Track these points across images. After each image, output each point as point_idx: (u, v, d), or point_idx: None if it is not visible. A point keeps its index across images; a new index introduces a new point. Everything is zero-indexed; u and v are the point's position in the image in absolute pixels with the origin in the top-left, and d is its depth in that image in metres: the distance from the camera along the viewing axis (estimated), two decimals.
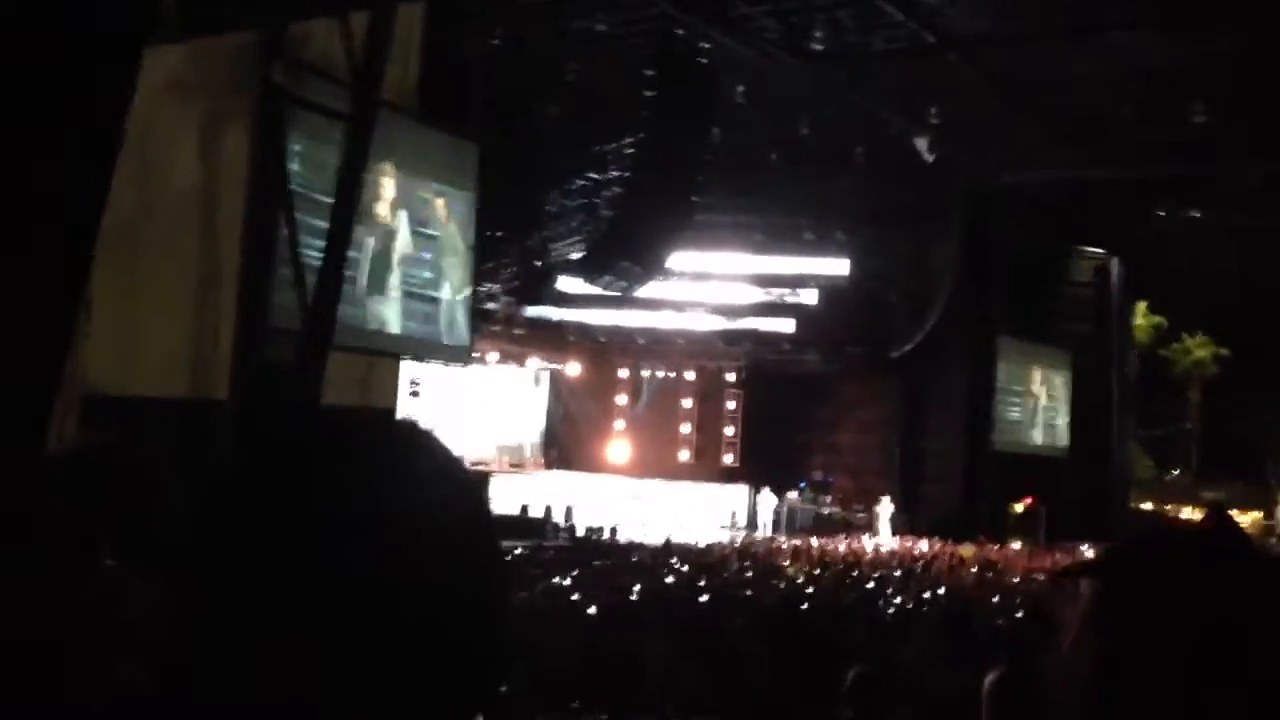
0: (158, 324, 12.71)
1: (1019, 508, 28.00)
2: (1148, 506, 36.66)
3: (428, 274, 17.18)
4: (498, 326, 25.96)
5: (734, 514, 26.13)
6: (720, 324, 28.55)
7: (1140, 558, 0.92)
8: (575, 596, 9.12)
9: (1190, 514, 36.14)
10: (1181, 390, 40.73)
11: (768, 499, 26.13)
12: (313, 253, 13.53)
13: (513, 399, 27.53)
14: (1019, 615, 10.29)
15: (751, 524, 25.81)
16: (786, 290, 28.31)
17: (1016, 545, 23.14)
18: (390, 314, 16.64)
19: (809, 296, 28.28)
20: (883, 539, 23.90)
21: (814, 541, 21.55)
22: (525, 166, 21.61)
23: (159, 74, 11.45)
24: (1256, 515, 36.63)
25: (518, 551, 15.03)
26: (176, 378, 12.97)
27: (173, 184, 12.89)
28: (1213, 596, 0.86)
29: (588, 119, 22.12)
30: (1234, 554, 0.90)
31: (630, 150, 21.31)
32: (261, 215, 13.74)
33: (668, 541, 16.83)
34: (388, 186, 16.30)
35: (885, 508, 25.85)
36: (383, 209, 16.24)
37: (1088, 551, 21.37)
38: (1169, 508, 37.05)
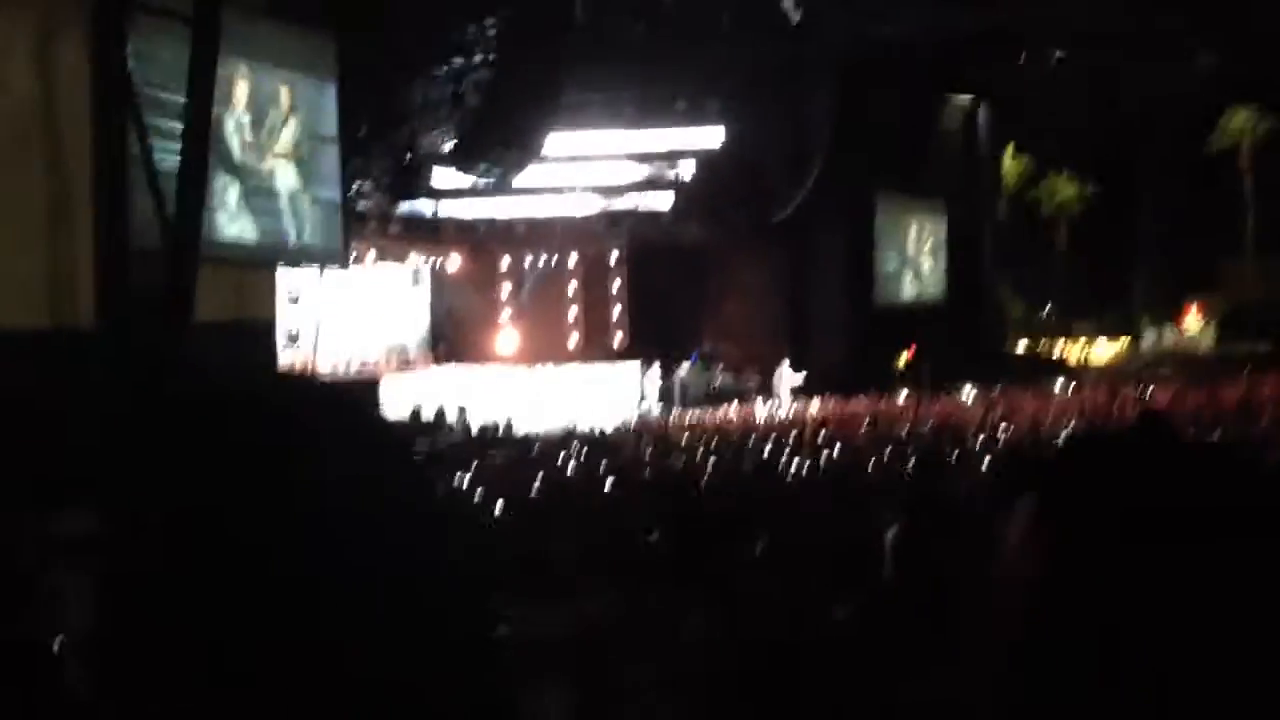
0: (9, 251, 12.10)
1: (903, 359, 28.75)
2: (1023, 346, 38.01)
3: (294, 173, 16.64)
4: (373, 226, 25.37)
5: (627, 393, 26.33)
6: (600, 205, 28.33)
7: (1071, 469, 0.91)
8: (475, 493, 9.12)
9: (1062, 348, 37.65)
10: (1050, 230, 41.96)
11: (655, 376, 26.32)
12: (171, 159, 12.93)
13: (395, 298, 27.08)
14: (910, 466, 10.63)
15: (649, 400, 26.06)
16: (664, 164, 28.15)
17: (904, 395, 23.81)
18: (259, 221, 16.12)
19: (686, 169, 28.18)
20: (784, 405, 24.15)
21: (709, 414, 21.90)
22: (386, 58, 20.87)
23: None
24: (1123, 342, 38.29)
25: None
26: (36, 307, 12.42)
27: (10, 102, 12.15)
28: (1146, 497, 0.86)
29: (448, 3, 21.38)
30: (1166, 454, 0.89)
31: (494, 32, 20.72)
32: (109, 128, 13.06)
33: (569, 430, 16.89)
34: (241, 85, 15.63)
35: (786, 373, 25.90)
36: (239, 109, 15.59)
37: (967, 390, 22.16)
38: (1042, 345, 38.49)
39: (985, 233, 33.67)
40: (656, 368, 26.47)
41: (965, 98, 32.47)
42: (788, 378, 25.61)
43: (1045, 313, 42.29)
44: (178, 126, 12.90)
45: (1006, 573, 0.90)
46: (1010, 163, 38.83)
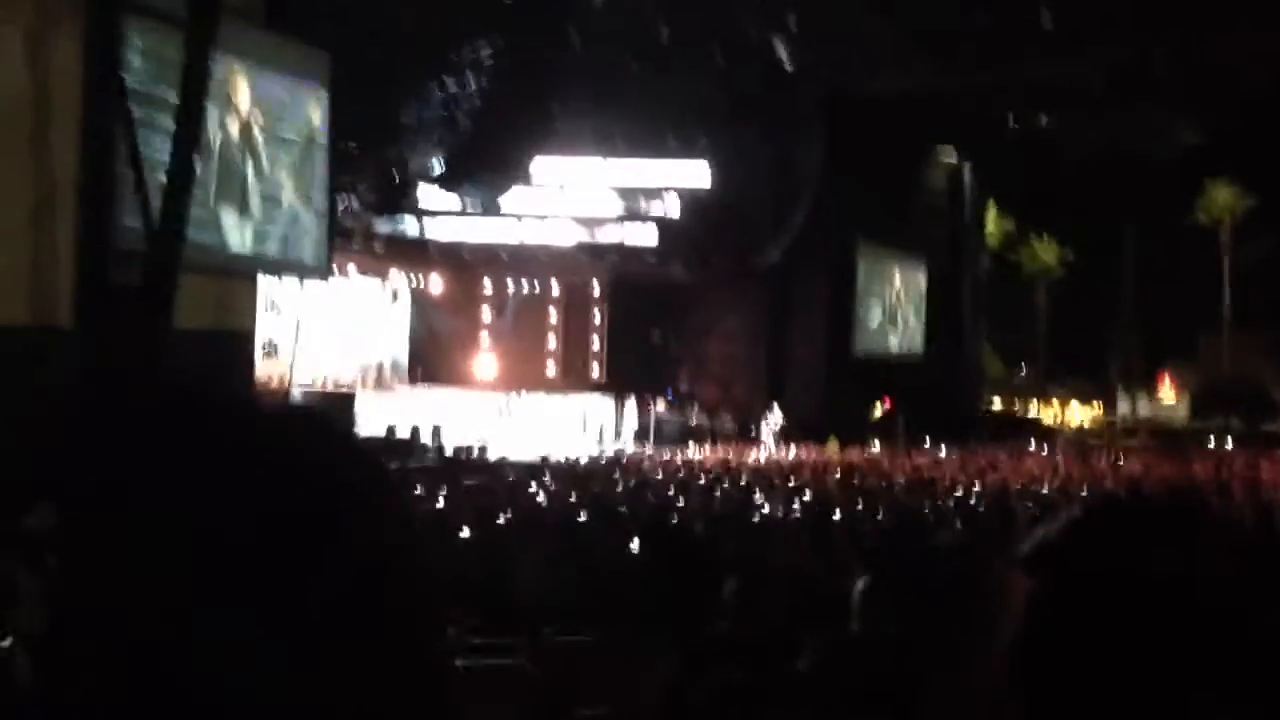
0: None
1: (878, 411, 28.83)
2: (997, 404, 38.20)
3: (282, 182, 16.57)
4: (357, 242, 25.29)
5: (601, 427, 26.25)
6: (584, 236, 28.36)
7: (1084, 551, 0.83)
8: (446, 518, 9.03)
9: (1037, 411, 37.83)
10: (1029, 292, 42.30)
11: (634, 411, 26.27)
12: (161, 158, 12.82)
13: (375, 316, 26.97)
14: (879, 517, 10.60)
15: (623, 436, 26.01)
16: (648, 199, 28.24)
17: (876, 448, 23.83)
18: (243, 231, 16.02)
19: (672, 207, 28.27)
20: (769, 448, 23.88)
21: (684, 454, 21.85)
22: (380, 76, 20.90)
23: None
24: (1097, 409, 38.54)
25: None
26: (15, 303, 12.27)
27: (0, 96, 12.06)
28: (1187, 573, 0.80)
29: (444, 26, 21.45)
30: (1196, 533, 0.83)
31: (487, 57, 20.78)
32: (98, 127, 12.97)
33: (544, 459, 16.80)
34: (237, 92, 15.58)
35: (775, 416, 25.77)
36: (230, 116, 15.53)
37: (942, 452, 22.18)
38: (1017, 406, 38.70)
39: (966, 290, 33.91)
40: (633, 403, 26.42)
41: (951, 156, 32.79)
42: (775, 422, 25.50)
43: (1022, 373, 42.56)
44: (169, 125, 12.82)
45: (1008, 639, 0.84)
46: (993, 223, 39.19)
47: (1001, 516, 9.95)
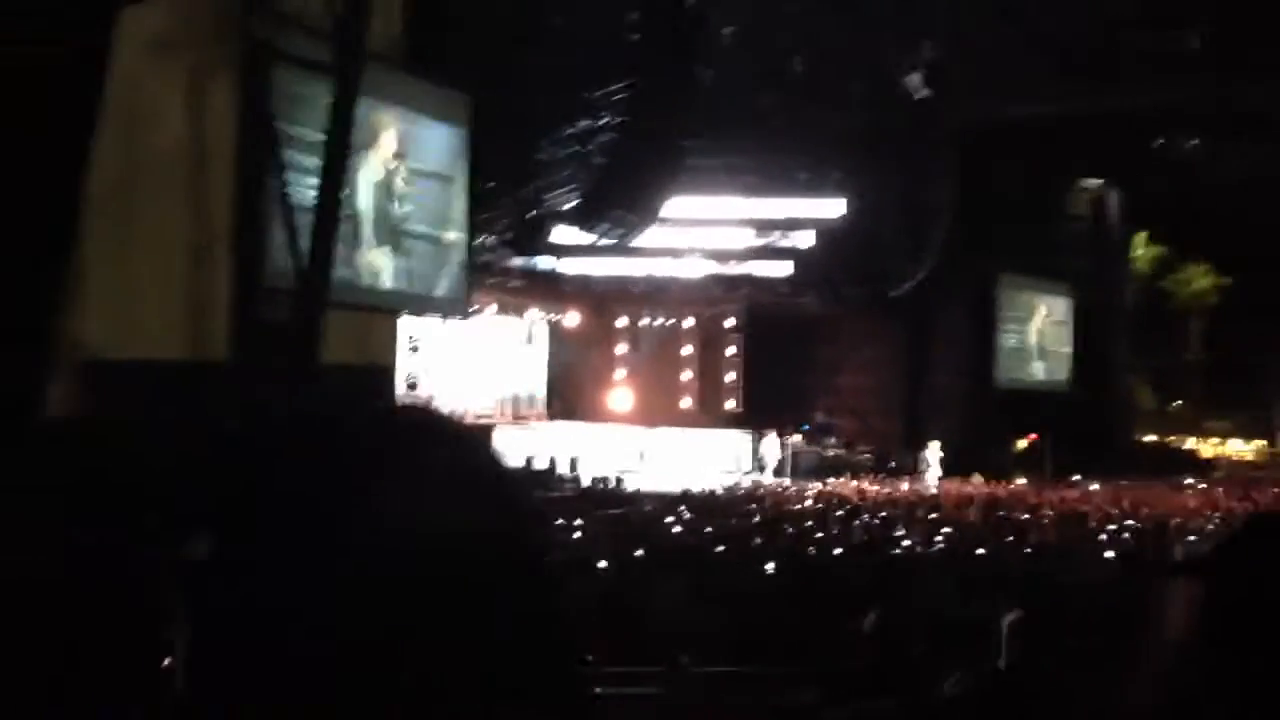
0: (153, 286, 12.56)
1: (1022, 443, 28.01)
2: (1151, 438, 36.71)
3: (423, 222, 17.01)
4: (494, 279, 25.79)
5: (737, 460, 26.13)
6: (717, 269, 28.37)
7: (1255, 555, 0.82)
8: (585, 548, 9.07)
9: (1194, 444, 36.23)
10: (1183, 320, 40.65)
11: (772, 443, 26.08)
12: (310, 199, 13.31)
13: (512, 351, 27.43)
14: (1028, 552, 10.28)
15: (760, 468, 25.88)
16: (782, 233, 28.10)
17: (1021, 481, 23.15)
18: (386, 269, 16.49)
19: (805, 238, 28.07)
20: (930, 483, 23.35)
21: (821, 486, 21.56)
22: (515, 115, 21.34)
23: (141, 31, 11.24)
24: (1260, 444, 36.69)
25: None
26: (173, 340, 12.85)
27: (160, 144, 12.69)
28: None
29: (577, 65, 21.81)
30: None
31: (620, 96, 21.03)
32: (251, 173, 13.56)
33: (683, 492, 16.79)
34: (381, 134, 16.10)
35: (933, 452, 25.33)
36: (374, 158, 16.04)
37: (1092, 486, 21.40)
38: (1172, 439, 37.12)
39: (1115, 319, 32.78)
40: (770, 436, 26.25)
41: (1095, 181, 31.83)
42: (938, 458, 25.04)
43: (1176, 406, 40.84)
44: (316, 167, 13.30)
45: (1170, 648, 0.84)
46: (1142, 249, 37.84)
47: (1158, 551, 9.54)
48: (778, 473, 25.47)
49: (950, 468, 24.18)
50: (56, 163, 4.03)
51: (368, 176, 15.89)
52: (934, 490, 21.49)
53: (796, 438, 26.82)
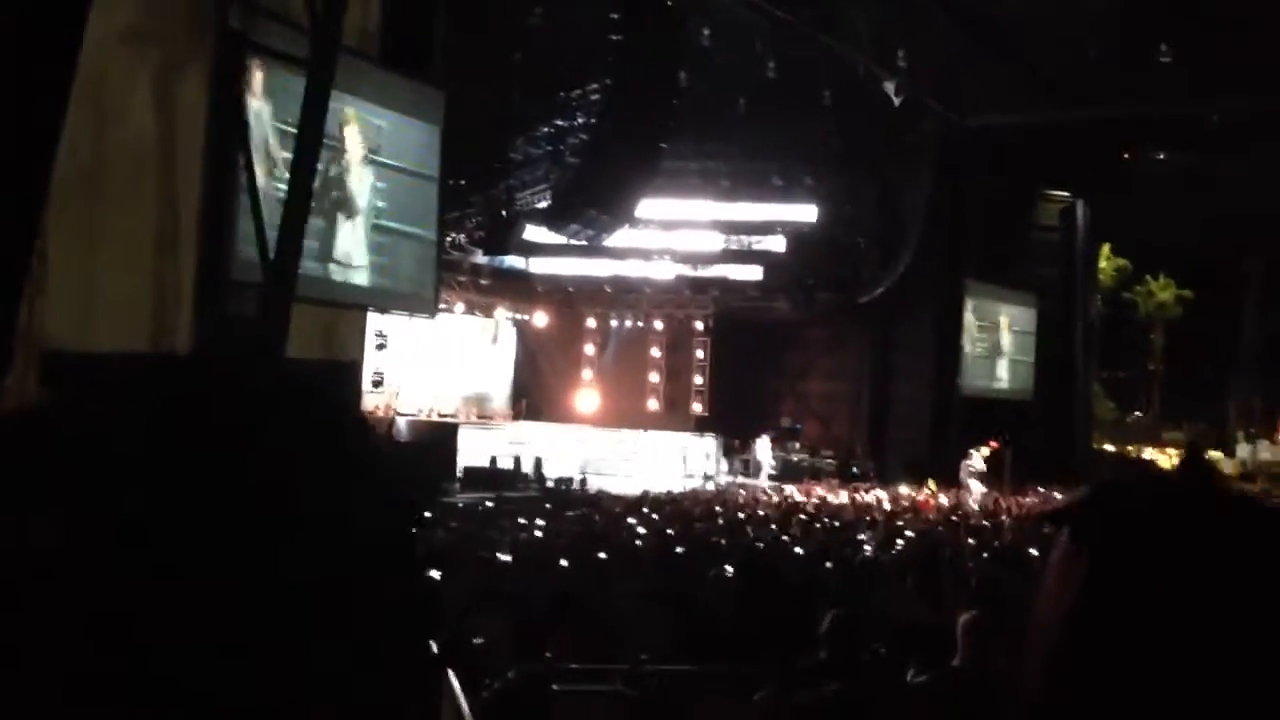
0: (117, 276, 12.46)
1: (984, 451, 28.24)
2: (1110, 448, 37.09)
3: (393, 219, 16.97)
4: (463, 277, 25.76)
5: (702, 462, 26.23)
6: (687, 272, 28.46)
7: (1111, 504, 0.88)
8: (547, 548, 9.09)
9: (1153, 455, 36.63)
10: (1144, 332, 41.10)
11: (764, 447, 26.13)
12: (279, 192, 13.26)
13: (479, 350, 27.39)
14: (985, 556, 10.38)
15: (734, 471, 26.06)
16: (754, 237, 28.23)
17: (980, 489, 23.33)
18: (358, 265, 16.44)
19: (776, 243, 28.22)
20: (975, 494, 21.95)
21: (784, 490, 21.67)
22: (490, 113, 21.32)
23: (112, 20, 11.16)
24: (1217, 456, 37.13)
25: (488, 503, 15.00)
26: (137, 331, 12.76)
27: (129, 134, 12.60)
28: (1184, 543, 0.84)
29: (553, 65, 21.82)
30: (1206, 497, 0.87)
31: (596, 96, 21.06)
32: (220, 165, 13.48)
33: (645, 493, 16.84)
34: (352, 129, 16.03)
35: (977, 460, 23.96)
36: (345, 153, 15.98)
37: (1055, 495, 21.62)
38: (1131, 449, 37.52)
39: (1078, 330, 33.10)
40: (762, 439, 26.40)
41: (1063, 193, 32.14)
42: (976, 464, 23.78)
43: (1135, 416, 41.28)
44: (286, 159, 13.25)
45: (1041, 604, 0.90)
46: (1105, 261, 38.22)
47: None
48: (741, 476, 25.59)
49: (912, 474, 24.33)
50: (21, 148, 4.01)
51: (338, 171, 15.82)
52: (974, 499, 20.58)
53: (762, 442, 26.97)
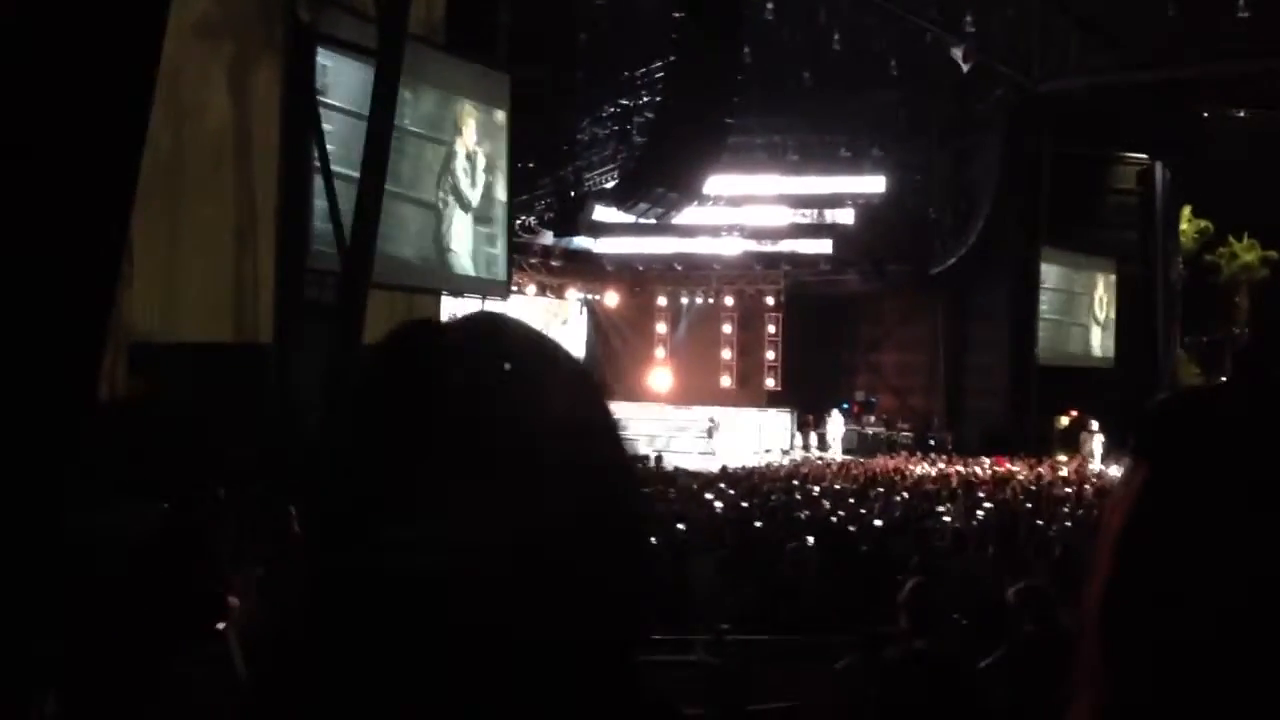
0: (200, 268, 12.79)
1: (1064, 420, 27.81)
2: None
3: (465, 202, 17.17)
4: (535, 259, 25.93)
5: (778, 437, 26.19)
6: (756, 247, 28.34)
7: (1166, 412, 0.92)
8: None
9: None
10: (1229, 294, 40.06)
11: (837, 422, 26.08)
12: (353, 181, 13.47)
13: (552, 330, 27.56)
14: (1068, 525, 10.27)
15: (807, 446, 26.00)
16: (823, 210, 28.01)
17: (1063, 459, 23.02)
18: (429, 248, 16.67)
19: (846, 216, 27.97)
20: (1096, 465, 22.51)
21: (861, 462, 21.54)
22: (556, 95, 21.41)
23: (186, 15, 11.41)
24: None
25: None
26: (221, 322, 13.08)
27: (206, 127, 12.89)
28: (1236, 437, 0.87)
29: (617, 44, 21.84)
30: (1258, 395, 0.90)
31: (660, 74, 21.03)
32: (295, 156, 13.74)
33: (723, 469, 16.88)
34: (423, 112, 16.24)
35: (1095, 430, 24.47)
36: (416, 140, 16.18)
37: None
38: None
39: (1159, 294, 32.37)
40: (835, 414, 26.33)
41: (1140, 155, 31.41)
42: (1101, 438, 24.13)
43: (1221, 381, 40.31)
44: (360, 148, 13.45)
45: (1107, 514, 0.93)
46: (1187, 224, 37.29)
47: None
48: (816, 450, 25.51)
49: (991, 445, 24.06)
50: (110, 144, 4.15)
51: (410, 158, 16.03)
52: (1098, 469, 20.89)
53: (836, 415, 26.85)
